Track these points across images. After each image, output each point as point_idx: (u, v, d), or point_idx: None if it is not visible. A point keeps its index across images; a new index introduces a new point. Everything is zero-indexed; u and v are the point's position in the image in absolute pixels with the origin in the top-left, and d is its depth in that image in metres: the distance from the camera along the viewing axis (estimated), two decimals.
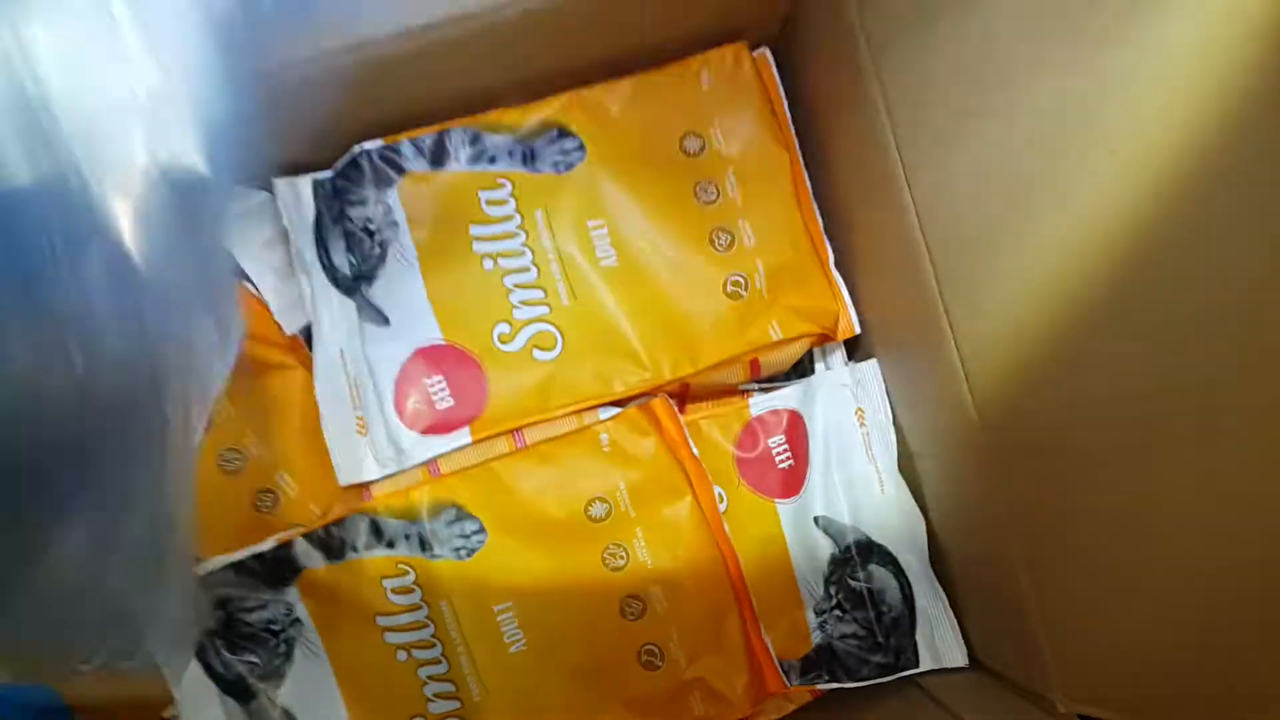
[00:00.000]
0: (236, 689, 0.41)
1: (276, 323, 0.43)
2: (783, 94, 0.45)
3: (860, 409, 0.45)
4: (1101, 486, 0.30)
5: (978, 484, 0.38)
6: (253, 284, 0.43)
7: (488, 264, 0.42)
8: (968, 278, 0.34)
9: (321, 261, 0.43)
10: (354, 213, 0.43)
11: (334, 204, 0.43)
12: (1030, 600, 0.35)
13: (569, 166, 0.43)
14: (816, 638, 0.44)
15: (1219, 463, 0.25)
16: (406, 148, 0.43)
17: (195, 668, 0.41)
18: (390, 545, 0.41)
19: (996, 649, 0.40)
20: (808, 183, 0.45)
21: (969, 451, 0.38)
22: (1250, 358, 0.23)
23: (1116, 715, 0.32)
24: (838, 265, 0.45)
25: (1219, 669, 0.27)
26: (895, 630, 0.44)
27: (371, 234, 0.43)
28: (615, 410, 0.43)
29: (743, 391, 0.46)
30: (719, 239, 0.43)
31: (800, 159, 0.45)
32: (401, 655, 0.41)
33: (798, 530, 0.45)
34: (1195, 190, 0.23)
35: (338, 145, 0.43)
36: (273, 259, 0.43)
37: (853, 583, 0.44)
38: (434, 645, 0.41)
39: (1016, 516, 0.35)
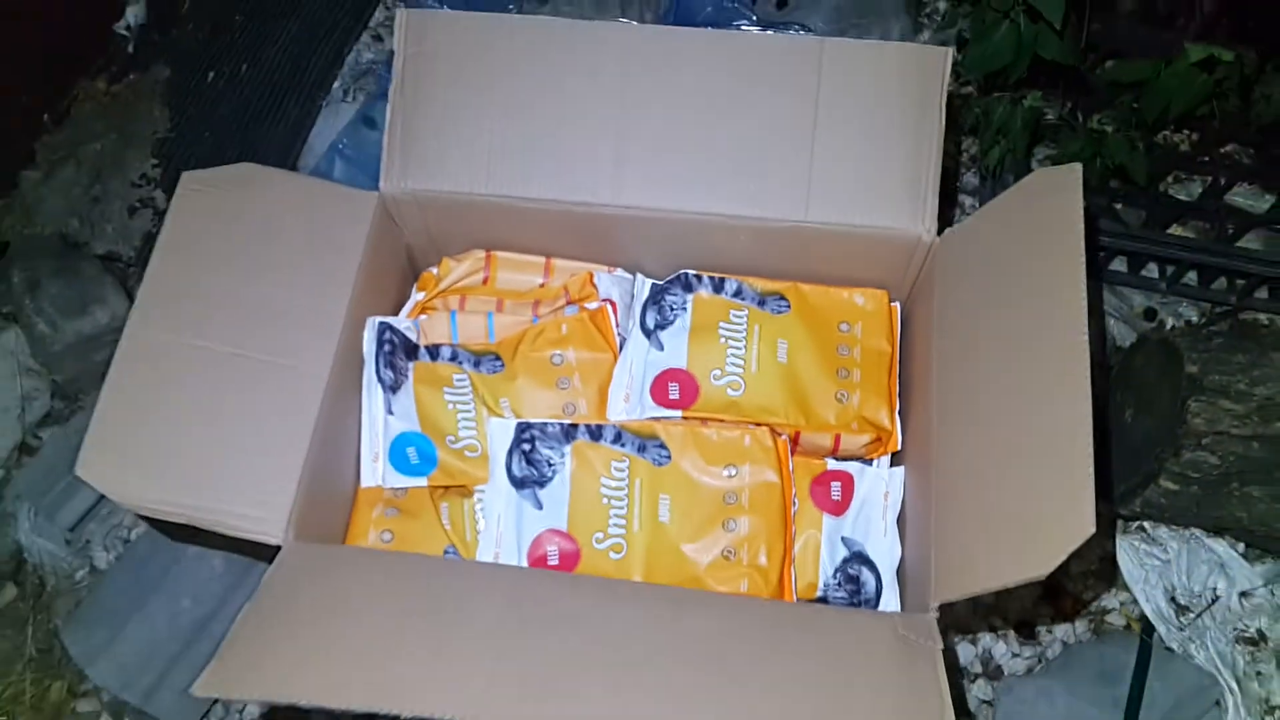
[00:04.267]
0: (520, 483, 0.79)
1: (614, 333, 0.85)
2: (898, 324, 0.85)
3: (887, 491, 0.80)
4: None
5: (924, 527, 0.72)
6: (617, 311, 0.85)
7: (723, 341, 0.83)
8: (949, 431, 0.71)
9: (641, 319, 0.85)
10: (667, 299, 0.85)
11: (657, 293, 0.86)
12: (930, 560, 0.68)
13: (779, 313, 0.84)
14: (820, 592, 0.77)
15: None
16: (705, 278, 0.86)
17: (500, 466, 0.79)
18: (623, 445, 0.79)
19: (913, 605, 0.72)
20: (897, 369, 0.84)
21: (921, 510, 0.73)
22: None
23: (961, 591, 0.64)
24: (900, 413, 0.82)
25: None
26: (866, 604, 0.76)
27: (672, 309, 0.85)
28: (756, 427, 0.80)
29: (824, 459, 0.83)
30: (841, 373, 0.82)
31: (897, 355, 0.84)
32: (605, 500, 0.78)
33: (830, 537, 0.79)
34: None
35: (668, 267, 0.87)
36: (628, 304, 0.86)
37: (851, 571, 0.77)
38: (624, 500, 0.77)
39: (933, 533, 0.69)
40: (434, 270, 0.87)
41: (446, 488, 0.81)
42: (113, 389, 0.70)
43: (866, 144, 0.78)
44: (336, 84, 1.24)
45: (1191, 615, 0.97)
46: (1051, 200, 0.67)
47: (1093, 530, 0.55)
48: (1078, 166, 0.66)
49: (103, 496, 0.99)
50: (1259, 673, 0.96)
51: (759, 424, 0.81)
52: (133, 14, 1.29)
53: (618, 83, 0.81)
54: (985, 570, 0.62)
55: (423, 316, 0.86)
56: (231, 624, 0.62)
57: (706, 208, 0.80)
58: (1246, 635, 0.98)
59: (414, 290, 0.88)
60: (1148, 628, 0.97)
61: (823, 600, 0.77)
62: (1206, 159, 1.16)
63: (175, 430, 0.70)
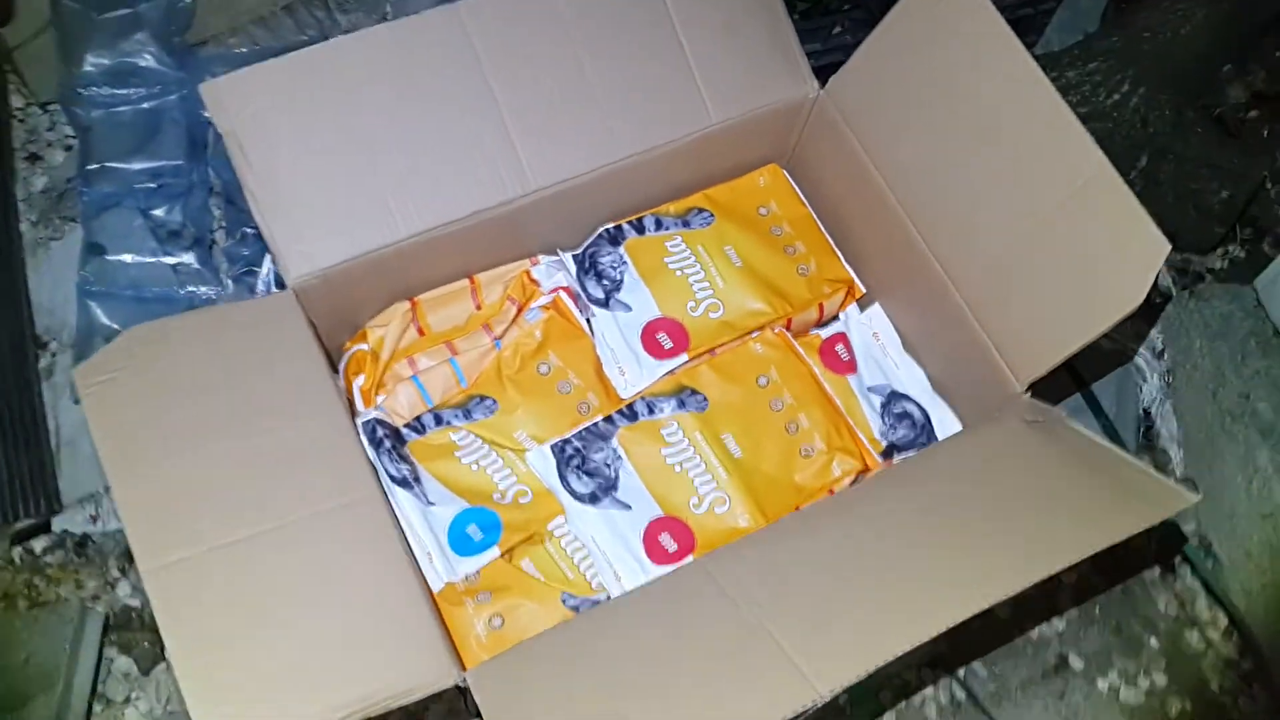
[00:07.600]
0: (590, 498, 0.74)
1: (577, 317, 0.80)
2: (794, 184, 0.89)
3: (875, 332, 0.85)
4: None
5: (951, 331, 0.78)
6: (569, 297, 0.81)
7: (678, 273, 0.82)
8: (950, 237, 0.76)
9: (584, 290, 0.82)
10: (602, 260, 0.82)
11: (586, 261, 0.82)
12: (993, 352, 0.74)
13: (706, 224, 0.84)
14: (883, 441, 0.81)
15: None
16: (625, 226, 0.83)
17: (564, 494, 0.74)
18: (660, 411, 0.77)
19: (980, 403, 0.78)
20: (819, 222, 0.88)
21: (942, 320, 0.78)
22: None
23: (1049, 362, 0.70)
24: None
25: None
26: (923, 430, 0.81)
27: (613, 269, 0.82)
28: (757, 333, 0.81)
29: (812, 332, 0.86)
30: (789, 250, 0.85)
31: (813, 212, 0.88)
32: (677, 468, 0.75)
33: (860, 390, 0.83)
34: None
35: (581, 233, 0.84)
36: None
37: (895, 410, 0.82)
38: (695, 459, 0.76)
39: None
40: (364, 346, 0.77)
41: (513, 547, 0.74)
42: (176, 643, 0.56)
43: (730, 32, 0.79)
44: (23, 228, 1.01)
45: None
46: (947, 6, 0.73)
47: (1169, 246, 0.63)
48: None
49: None
50: None
51: (756, 329, 0.81)
52: None
53: (474, 70, 0.75)
54: (1066, 332, 0.69)
55: (380, 397, 0.77)
56: None
57: (616, 155, 0.78)
58: None
59: (344, 374, 0.78)
60: None
61: (893, 447, 0.81)
62: None
63: (273, 639, 0.58)
